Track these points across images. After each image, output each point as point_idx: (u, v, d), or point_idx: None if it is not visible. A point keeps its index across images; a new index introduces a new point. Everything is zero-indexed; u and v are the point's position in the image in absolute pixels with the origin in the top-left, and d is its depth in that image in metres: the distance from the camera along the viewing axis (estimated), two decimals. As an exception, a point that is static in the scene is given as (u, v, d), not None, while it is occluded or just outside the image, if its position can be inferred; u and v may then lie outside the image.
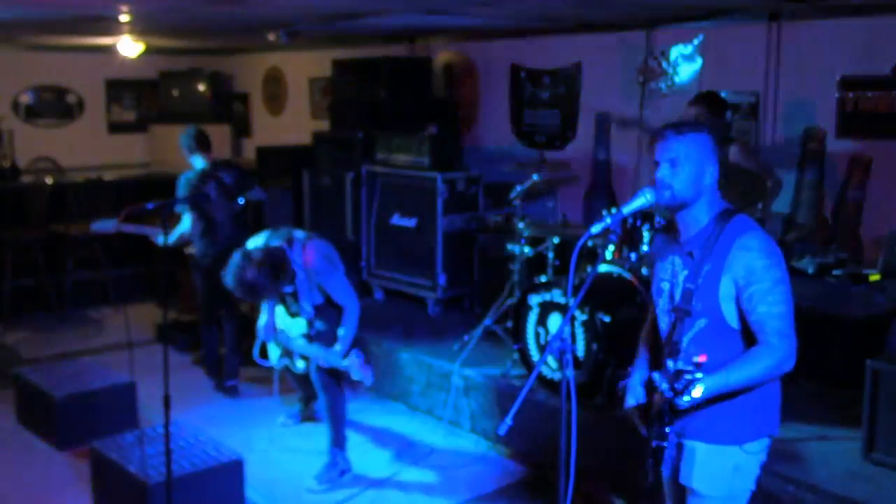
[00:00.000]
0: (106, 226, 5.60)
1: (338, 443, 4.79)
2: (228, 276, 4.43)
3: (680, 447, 2.79)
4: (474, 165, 6.94)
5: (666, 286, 2.76)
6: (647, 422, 2.81)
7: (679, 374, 2.43)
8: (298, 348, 4.79)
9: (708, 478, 2.73)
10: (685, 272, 2.68)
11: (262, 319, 4.97)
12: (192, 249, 5.98)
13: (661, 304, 2.79)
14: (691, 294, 2.63)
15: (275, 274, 4.45)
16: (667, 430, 2.69)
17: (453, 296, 6.67)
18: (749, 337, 2.63)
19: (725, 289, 2.60)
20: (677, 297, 2.69)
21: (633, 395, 2.88)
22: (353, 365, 4.47)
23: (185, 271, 7.35)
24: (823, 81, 5.62)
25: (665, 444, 2.71)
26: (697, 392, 2.44)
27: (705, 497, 2.76)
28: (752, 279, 2.56)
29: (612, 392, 4.71)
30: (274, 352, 5.05)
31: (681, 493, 2.87)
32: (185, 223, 5.77)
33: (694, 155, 2.62)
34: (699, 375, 2.43)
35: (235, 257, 4.45)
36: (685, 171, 2.61)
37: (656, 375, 2.53)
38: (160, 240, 5.64)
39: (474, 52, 8.06)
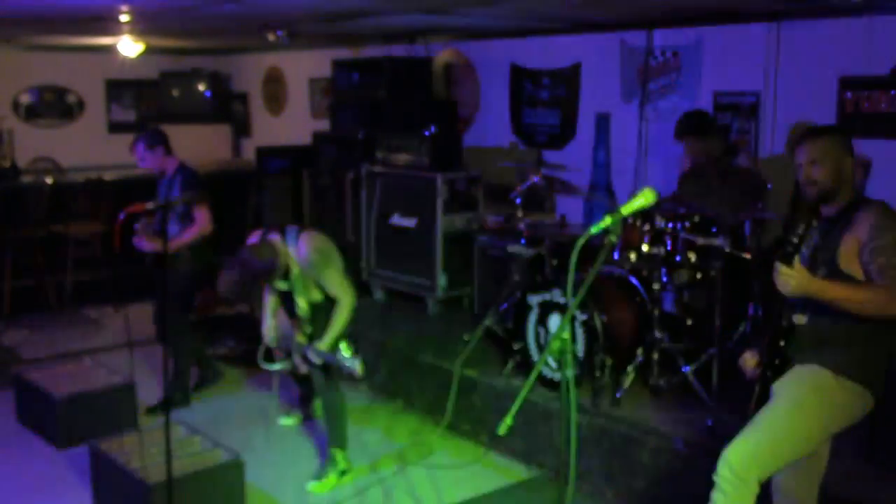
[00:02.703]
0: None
1: (338, 442, 4.79)
2: (221, 281, 4.42)
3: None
4: (474, 165, 6.94)
5: (806, 252, 3.12)
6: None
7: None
8: (296, 348, 4.79)
9: (787, 384, 3.09)
10: (820, 238, 3.10)
11: (265, 323, 4.97)
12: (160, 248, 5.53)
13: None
14: (818, 248, 3.08)
15: (260, 267, 4.43)
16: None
17: (453, 296, 6.67)
18: None
19: (847, 244, 3.00)
20: (808, 254, 3.10)
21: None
22: (342, 357, 4.46)
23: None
24: (823, 81, 5.62)
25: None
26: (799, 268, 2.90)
27: (777, 396, 3.09)
28: (874, 235, 2.95)
29: (611, 391, 4.72)
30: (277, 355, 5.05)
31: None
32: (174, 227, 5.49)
33: (831, 153, 3.07)
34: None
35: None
36: (825, 168, 3.05)
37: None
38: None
39: (474, 52, 8.06)
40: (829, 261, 3.03)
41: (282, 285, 4.69)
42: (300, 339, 4.77)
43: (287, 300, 4.82)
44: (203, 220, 5.48)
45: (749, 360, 3.33)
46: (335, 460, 4.76)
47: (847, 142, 3.15)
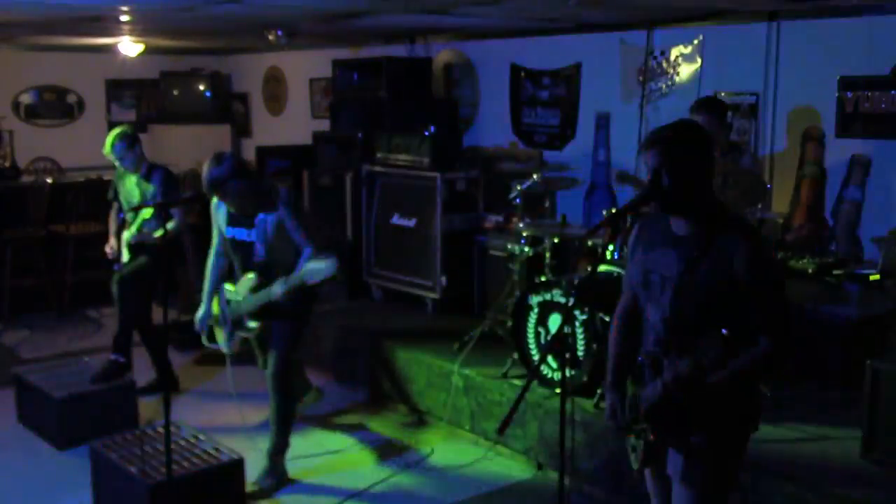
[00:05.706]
0: None
1: (280, 448, 4.71)
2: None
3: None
4: (474, 165, 6.94)
5: (658, 278, 2.77)
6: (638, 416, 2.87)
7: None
8: (249, 305, 4.56)
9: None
10: (683, 265, 2.69)
11: (199, 311, 4.79)
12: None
13: (653, 296, 2.79)
14: (691, 285, 2.66)
15: (242, 174, 4.44)
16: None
17: (453, 296, 6.67)
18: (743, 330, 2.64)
19: (728, 284, 2.62)
20: (673, 289, 2.71)
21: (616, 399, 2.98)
22: (308, 268, 4.19)
23: (186, 271, 7.36)
24: (823, 81, 5.62)
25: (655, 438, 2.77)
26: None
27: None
28: (758, 277, 2.60)
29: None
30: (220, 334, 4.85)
31: (666, 484, 2.91)
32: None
33: (687, 159, 2.64)
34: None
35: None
36: (681, 176, 2.63)
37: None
38: None
39: (474, 52, 8.06)
40: (709, 303, 2.66)
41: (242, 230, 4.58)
42: (249, 295, 4.54)
43: (243, 252, 4.60)
44: (180, 217, 5.73)
45: None
46: (275, 466, 4.67)
47: (704, 142, 2.69)
